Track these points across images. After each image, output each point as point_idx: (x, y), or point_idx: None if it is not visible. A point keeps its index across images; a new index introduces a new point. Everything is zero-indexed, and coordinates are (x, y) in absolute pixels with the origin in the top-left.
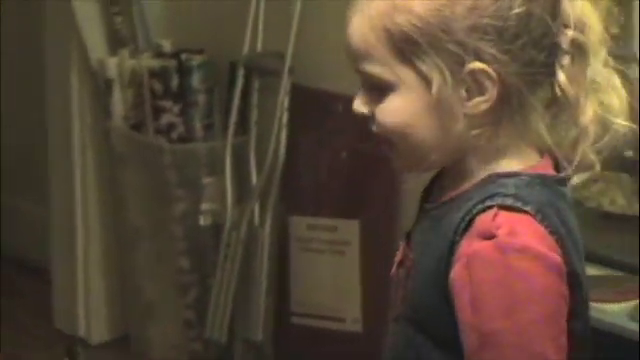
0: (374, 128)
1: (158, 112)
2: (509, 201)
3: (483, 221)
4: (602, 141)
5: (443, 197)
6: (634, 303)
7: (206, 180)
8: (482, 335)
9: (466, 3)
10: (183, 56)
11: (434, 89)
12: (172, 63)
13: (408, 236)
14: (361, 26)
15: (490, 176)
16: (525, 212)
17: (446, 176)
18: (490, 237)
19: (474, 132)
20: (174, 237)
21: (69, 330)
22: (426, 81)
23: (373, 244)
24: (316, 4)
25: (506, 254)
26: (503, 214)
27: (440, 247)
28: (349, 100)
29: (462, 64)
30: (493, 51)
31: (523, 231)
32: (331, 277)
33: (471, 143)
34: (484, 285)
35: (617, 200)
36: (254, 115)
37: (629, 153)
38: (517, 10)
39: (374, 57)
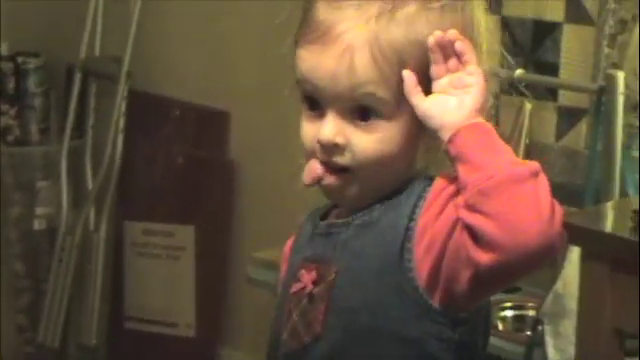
0: (340, 159)
1: None
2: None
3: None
4: None
5: (356, 209)
6: None
7: (41, 184)
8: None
9: None
10: (19, 59)
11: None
12: (8, 66)
13: (312, 258)
14: (377, 53)
15: (411, 178)
16: None
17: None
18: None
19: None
20: (8, 241)
21: None
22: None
23: (208, 250)
24: (155, 9)
25: None
26: None
27: (387, 239)
28: (186, 106)
29: None
30: None
31: None
32: (166, 282)
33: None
34: None
35: None
36: (91, 119)
37: None
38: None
39: (386, 83)
